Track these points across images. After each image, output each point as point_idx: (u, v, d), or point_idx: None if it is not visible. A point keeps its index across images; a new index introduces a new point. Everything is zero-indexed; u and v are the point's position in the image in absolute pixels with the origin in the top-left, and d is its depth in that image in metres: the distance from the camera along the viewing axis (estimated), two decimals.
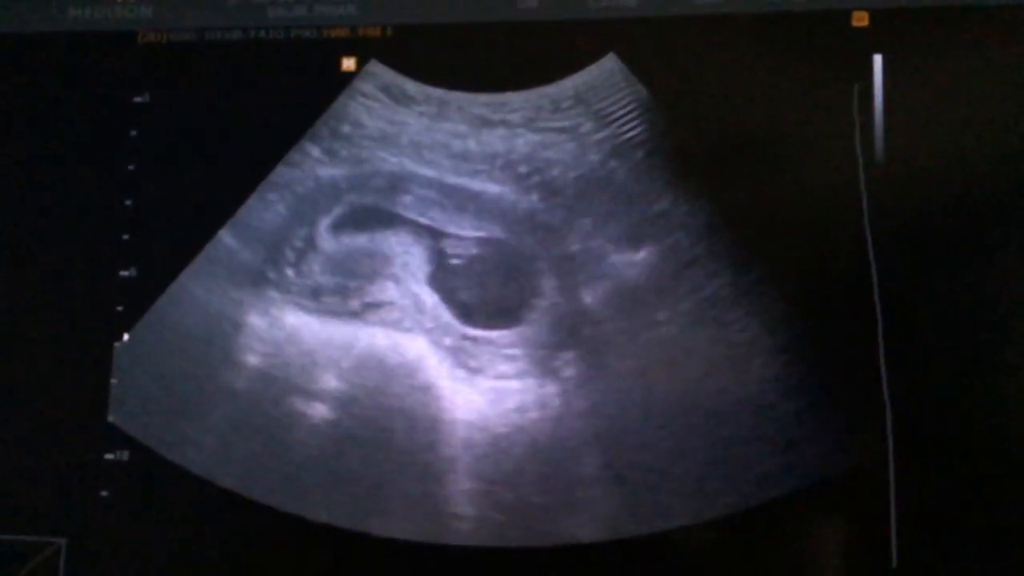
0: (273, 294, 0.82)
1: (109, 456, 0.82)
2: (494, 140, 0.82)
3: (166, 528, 0.81)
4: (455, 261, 0.81)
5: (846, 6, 0.80)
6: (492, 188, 0.82)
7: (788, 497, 0.75)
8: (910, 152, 0.77)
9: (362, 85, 0.84)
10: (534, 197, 0.81)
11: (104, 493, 0.81)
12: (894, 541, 0.73)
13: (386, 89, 0.84)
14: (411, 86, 0.84)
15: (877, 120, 0.78)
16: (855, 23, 0.80)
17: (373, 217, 0.83)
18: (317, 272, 0.82)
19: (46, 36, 0.89)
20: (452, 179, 0.82)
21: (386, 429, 0.79)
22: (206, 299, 0.83)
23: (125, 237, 0.85)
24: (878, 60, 0.79)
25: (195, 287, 0.83)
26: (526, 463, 0.78)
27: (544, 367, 0.79)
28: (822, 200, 0.78)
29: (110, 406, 0.82)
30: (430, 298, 0.81)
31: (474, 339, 0.80)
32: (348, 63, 0.85)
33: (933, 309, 0.75)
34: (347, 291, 0.82)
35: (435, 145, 0.83)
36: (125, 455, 0.82)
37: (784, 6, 0.81)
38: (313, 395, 0.81)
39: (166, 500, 0.81)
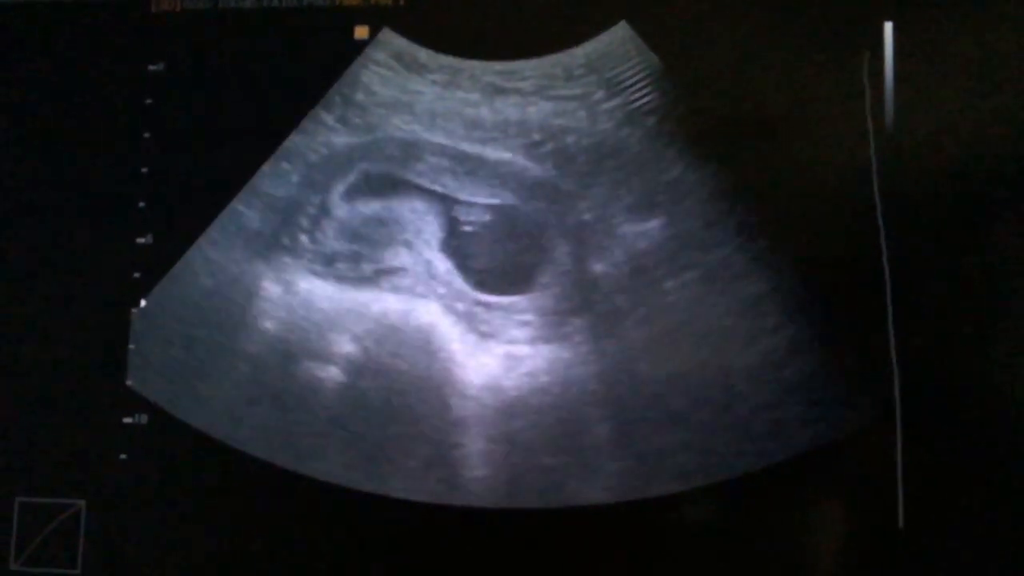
0: (288, 260, 0.83)
1: (127, 420, 0.83)
2: (507, 108, 0.83)
3: (183, 490, 0.82)
4: (468, 228, 0.82)
5: None
6: (505, 155, 0.82)
7: (797, 459, 0.76)
8: (920, 119, 0.78)
9: (375, 53, 0.85)
10: (547, 164, 0.82)
11: (123, 456, 0.83)
12: (901, 502, 0.74)
13: (399, 57, 0.85)
14: (423, 54, 0.84)
15: (887, 87, 0.78)
16: None
17: (386, 184, 0.83)
18: (331, 238, 0.83)
19: (61, 5, 0.89)
20: (465, 146, 0.83)
21: (400, 392, 0.80)
22: (221, 265, 0.84)
23: (141, 205, 0.86)
24: (889, 27, 0.79)
25: (211, 254, 0.84)
26: (537, 426, 0.79)
27: (556, 333, 0.80)
28: (832, 167, 0.78)
29: (128, 371, 0.84)
30: (443, 264, 0.82)
31: (487, 305, 0.81)
32: (361, 31, 0.85)
33: (941, 275, 0.76)
34: (361, 257, 0.83)
35: (448, 113, 0.84)
36: (143, 419, 0.83)
37: None
38: (328, 359, 0.82)
39: (183, 462, 0.82)
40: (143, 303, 0.85)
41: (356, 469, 0.80)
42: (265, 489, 0.81)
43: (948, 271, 0.76)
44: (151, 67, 0.87)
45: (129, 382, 0.84)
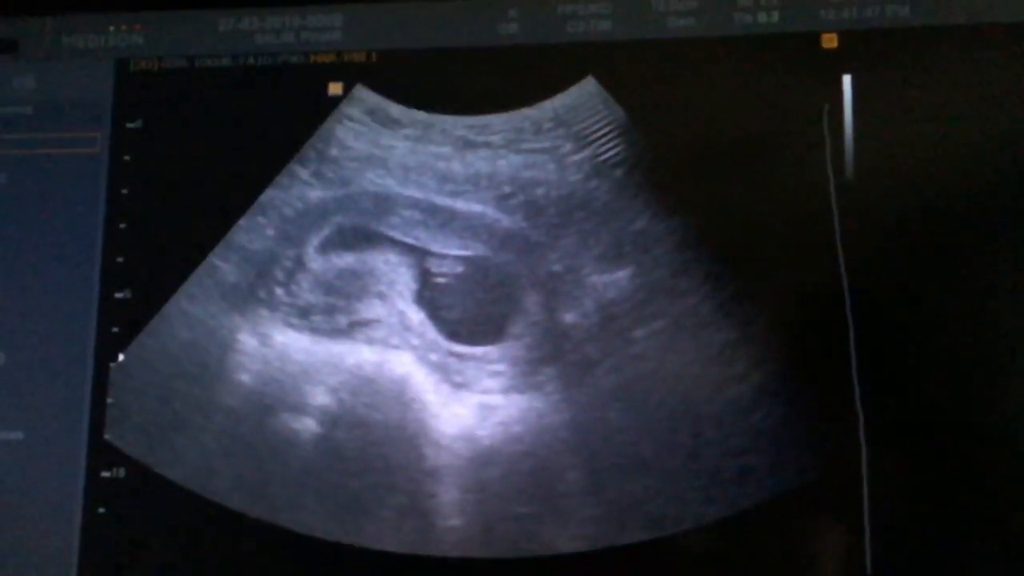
0: (264, 313, 0.84)
1: (106, 474, 0.83)
2: (477, 161, 0.84)
3: (162, 542, 0.82)
4: (440, 279, 0.83)
5: (816, 28, 0.82)
6: (476, 208, 0.84)
7: (764, 505, 0.76)
8: (879, 170, 0.79)
9: (348, 109, 0.86)
10: (517, 216, 0.83)
11: (101, 510, 0.83)
12: (868, 548, 0.75)
13: (372, 113, 0.86)
14: (396, 109, 0.86)
15: (847, 139, 0.80)
16: (825, 44, 0.82)
17: (360, 237, 0.84)
18: (306, 291, 0.84)
19: (39, 64, 0.90)
20: (437, 199, 0.84)
21: (375, 443, 0.81)
22: (198, 319, 0.84)
23: (120, 260, 0.86)
24: (847, 80, 0.81)
25: (188, 307, 0.85)
26: (510, 475, 0.79)
27: (528, 382, 0.81)
28: (795, 217, 0.80)
29: (106, 424, 0.84)
30: (416, 315, 0.82)
31: (459, 355, 0.81)
32: (335, 88, 0.87)
33: (903, 321, 0.77)
34: (335, 309, 0.83)
35: (420, 167, 0.85)
36: (121, 472, 0.83)
37: (755, 29, 0.83)
38: (303, 410, 0.82)
39: (162, 516, 0.82)
40: (121, 357, 0.85)
41: (331, 520, 0.80)
42: (241, 541, 0.81)
43: (911, 318, 0.77)
44: (129, 124, 0.89)
45: (107, 436, 0.84)
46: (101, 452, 0.83)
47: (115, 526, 0.82)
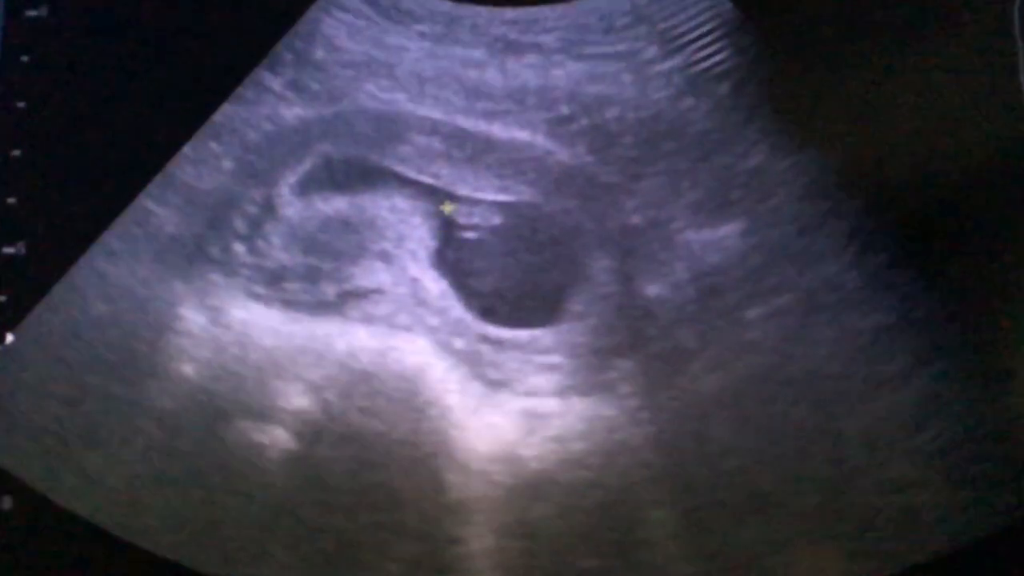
0: (216, 278, 0.72)
1: None
2: (523, 70, 0.74)
3: None
4: (469, 235, 0.72)
5: None
6: (521, 135, 0.73)
7: (935, 563, 0.62)
8: None
9: None
10: (580, 148, 0.72)
11: None
12: None
13: (373, 1, 0.74)
14: None
15: None
16: None
17: (356, 174, 0.74)
18: (278, 248, 0.72)
19: None
20: (465, 122, 0.74)
21: (374, 465, 0.68)
22: (123, 286, 0.72)
23: (11, 201, 0.74)
24: None
25: (107, 269, 0.72)
26: (570, 513, 0.66)
27: (594, 381, 0.69)
28: (978, 151, 0.66)
29: None
30: (435, 285, 0.72)
31: (497, 342, 0.71)
32: None
33: None
34: (319, 274, 0.72)
35: (441, 76, 0.74)
36: (7, 502, 0.70)
37: None
38: (271, 418, 0.70)
39: (63, 562, 0.69)
40: (9, 338, 0.71)
41: (312, 572, 0.66)
42: None
43: None
44: (29, 12, 0.75)
45: None
46: None
47: None
